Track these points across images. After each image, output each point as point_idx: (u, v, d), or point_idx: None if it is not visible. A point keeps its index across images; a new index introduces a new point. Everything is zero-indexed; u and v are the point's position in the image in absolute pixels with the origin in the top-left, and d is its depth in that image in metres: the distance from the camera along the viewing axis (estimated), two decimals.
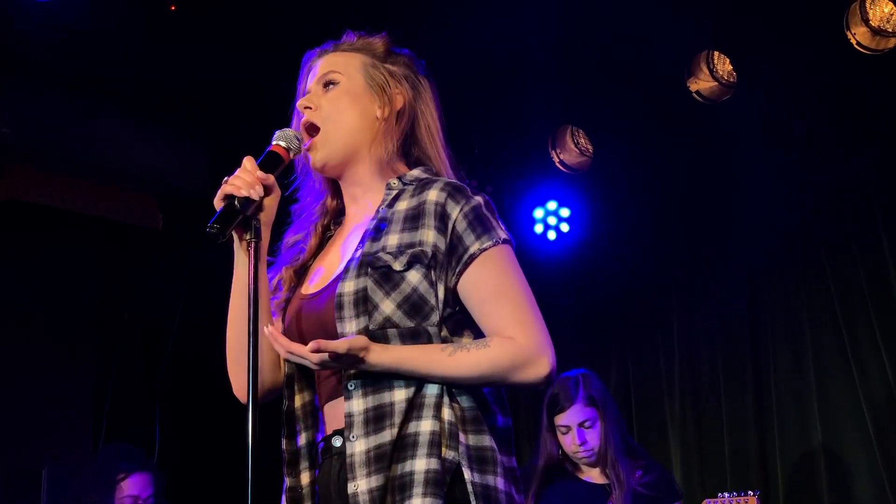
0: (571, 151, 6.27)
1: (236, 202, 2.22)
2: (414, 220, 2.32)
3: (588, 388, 4.54)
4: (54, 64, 5.16)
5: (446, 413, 2.23)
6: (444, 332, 2.28)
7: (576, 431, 4.51)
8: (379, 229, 2.34)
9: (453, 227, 2.29)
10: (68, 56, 5.10)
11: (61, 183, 5.54)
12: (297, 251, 2.50)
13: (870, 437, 5.52)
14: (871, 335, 5.57)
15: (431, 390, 2.23)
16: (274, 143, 2.38)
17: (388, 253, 2.28)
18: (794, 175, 5.84)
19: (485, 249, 2.29)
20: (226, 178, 2.27)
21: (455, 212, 2.30)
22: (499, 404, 2.34)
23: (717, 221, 6.18)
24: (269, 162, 2.34)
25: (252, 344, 2.14)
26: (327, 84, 2.47)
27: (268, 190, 2.31)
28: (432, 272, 2.27)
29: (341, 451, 2.27)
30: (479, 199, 2.34)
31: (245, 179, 2.26)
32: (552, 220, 6.49)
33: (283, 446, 2.39)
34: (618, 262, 6.47)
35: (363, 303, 2.25)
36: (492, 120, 5.94)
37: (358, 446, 2.22)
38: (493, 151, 6.14)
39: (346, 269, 2.31)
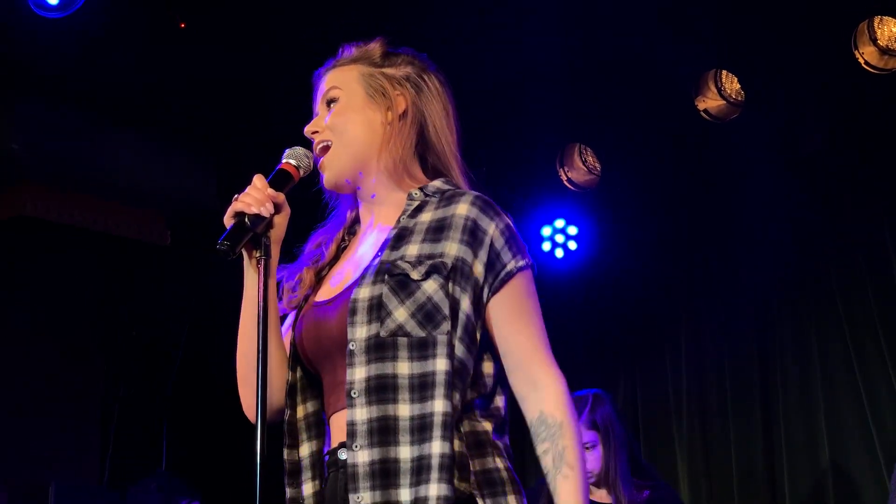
0: (579, 169, 6.27)
1: (247, 219, 2.23)
2: (438, 231, 2.29)
3: (593, 412, 4.53)
4: (63, 80, 5.17)
5: (456, 441, 2.20)
6: (453, 338, 2.23)
7: None
8: (399, 238, 2.32)
9: (491, 242, 2.28)
10: (78, 73, 5.12)
11: (70, 198, 5.55)
12: (318, 253, 2.48)
13: (878, 456, 5.50)
14: (880, 354, 5.56)
15: (440, 408, 2.19)
16: (284, 161, 2.38)
17: (407, 262, 2.25)
18: (802, 194, 5.84)
19: (521, 269, 2.31)
20: (236, 196, 2.28)
21: (491, 228, 2.29)
22: (499, 425, 2.34)
23: (724, 239, 6.17)
24: (279, 180, 2.34)
25: (261, 361, 2.14)
26: (329, 102, 2.45)
27: (278, 208, 2.30)
28: (450, 284, 2.24)
29: (346, 463, 2.24)
30: (508, 217, 2.35)
31: (255, 197, 2.27)
32: (560, 238, 6.48)
33: (284, 456, 2.37)
34: (626, 280, 6.46)
35: (377, 309, 2.23)
36: (500, 137, 5.94)
37: (361, 457, 2.19)
38: (500, 169, 6.13)
39: (363, 276, 2.29)
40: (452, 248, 2.26)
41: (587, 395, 4.58)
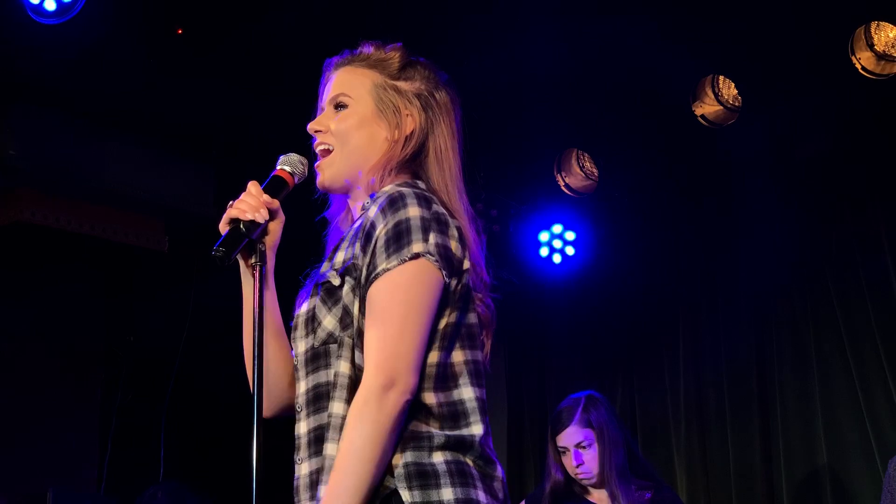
0: (577, 175, 6.27)
1: (242, 226, 2.24)
2: (355, 235, 2.29)
3: (587, 412, 4.54)
4: (61, 87, 5.17)
5: None
6: (358, 343, 2.21)
7: (573, 452, 4.52)
8: (336, 248, 2.35)
9: (375, 244, 2.22)
10: (75, 79, 5.12)
11: (67, 205, 5.55)
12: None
13: (875, 461, 5.51)
14: (878, 360, 5.56)
15: (337, 410, 2.19)
16: (279, 167, 2.39)
17: (334, 269, 2.28)
18: (799, 199, 5.84)
19: (388, 269, 2.18)
20: (231, 202, 2.28)
21: (379, 228, 2.22)
22: (451, 417, 2.24)
23: (722, 244, 6.18)
24: (274, 186, 2.35)
25: (257, 367, 2.16)
26: (337, 106, 2.44)
27: (273, 214, 2.31)
28: (358, 285, 2.24)
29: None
30: (413, 211, 2.23)
31: (250, 203, 2.28)
32: (557, 244, 6.49)
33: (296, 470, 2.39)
34: (624, 285, 6.47)
35: (311, 321, 2.27)
36: (497, 143, 5.95)
37: (303, 469, 2.23)
38: (498, 175, 6.15)
39: (308, 291, 2.34)
40: (357, 249, 2.25)
41: (582, 396, 4.60)
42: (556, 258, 6.48)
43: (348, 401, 2.16)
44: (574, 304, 6.57)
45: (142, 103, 5.36)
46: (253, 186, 2.31)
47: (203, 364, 6.17)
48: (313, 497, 2.20)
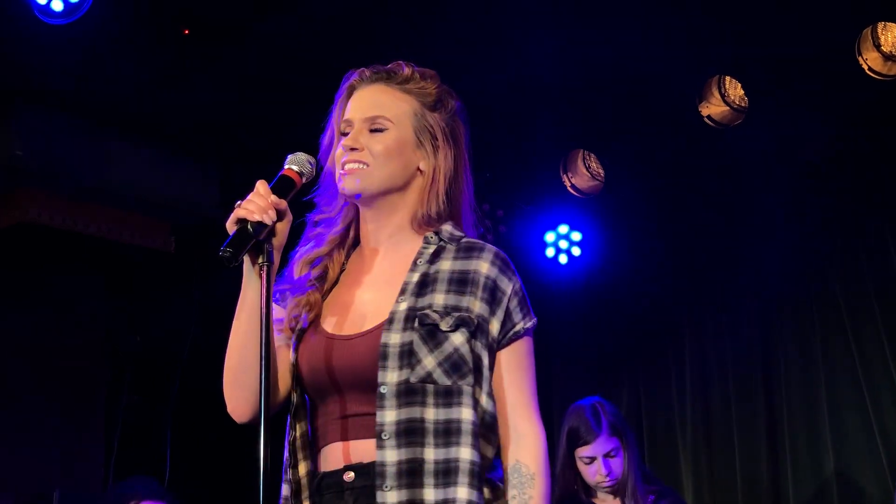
0: (583, 176, 6.27)
1: (249, 226, 2.23)
2: (461, 284, 2.39)
3: (612, 420, 4.52)
4: (67, 88, 5.17)
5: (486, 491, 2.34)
6: (477, 392, 2.35)
7: (601, 462, 4.48)
8: (423, 285, 2.39)
9: (507, 303, 2.41)
10: (82, 80, 5.12)
11: (72, 206, 5.55)
12: (320, 276, 2.49)
13: (882, 462, 5.50)
14: (884, 361, 5.56)
15: (466, 455, 2.29)
16: (286, 167, 2.38)
17: (436, 311, 2.34)
18: (805, 199, 5.83)
19: (528, 330, 2.44)
20: (238, 202, 2.28)
21: (509, 289, 2.42)
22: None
23: (728, 245, 6.17)
24: (282, 186, 2.34)
25: (265, 367, 2.15)
26: (375, 126, 2.45)
27: (280, 214, 2.31)
28: (472, 340, 2.34)
29: (353, 487, 2.32)
30: (519, 277, 2.47)
31: (258, 204, 2.27)
32: (564, 244, 6.49)
33: (289, 476, 2.40)
34: (629, 285, 6.46)
35: (407, 356, 2.31)
36: (503, 144, 5.94)
37: (391, 497, 2.27)
38: (504, 175, 6.14)
39: (391, 321, 2.35)
40: (476, 306, 2.37)
41: (592, 403, 4.56)
42: (562, 259, 6.48)
43: (474, 446, 2.30)
44: (580, 304, 6.57)
45: (148, 104, 5.36)
46: (261, 186, 2.31)
47: (208, 364, 6.15)
48: None
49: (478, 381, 2.35)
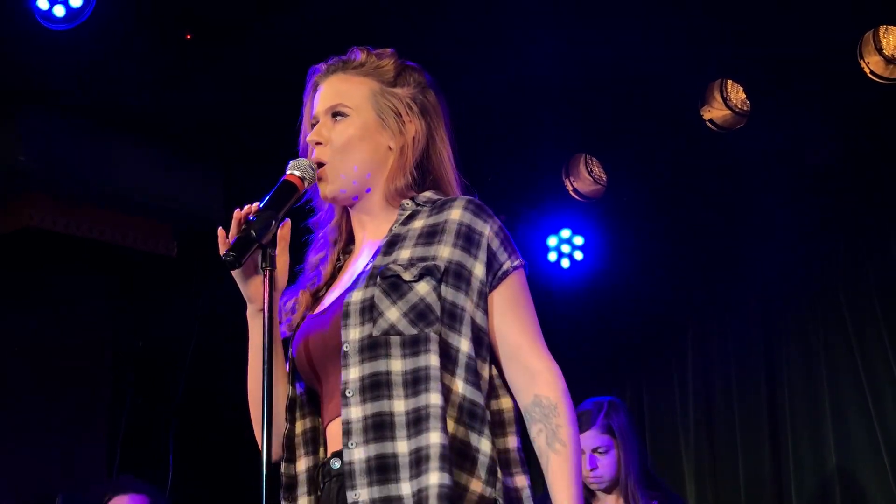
0: (585, 179, 6.26)
1: (252, 231, 2.22)
2: (430, 235, 2.33)
3: (608, 417, 4.52)
4: (70, 92, 5.18)
5: (481, 438, 2.23)
6: (453, 337, 2.26)
7: (588, 456, 4.50)
8: (391, 244, 2.35)
9: (488, 244, 2.32)
10: (84, 85, 5.12)
11: (76, 210, 5.56)
12: (315, 275, 2.49)
13: (885, 466, 5.50)
14: (886, 363, 5.56)
15: (434, 400, 2.19)
16: (288, 172, 2.37)
17: (399, 264, 2.28)
18: (808, 203, 5.83)
19: (516, 268, 2.34)
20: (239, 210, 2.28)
21: (486, 230, 2.33)
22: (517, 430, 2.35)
23: (730, 248, 6.17)
24: (284, 191, 2.33)
25: (266, 372, 2.13)
26: (335, 115, 2.44)
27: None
28: (443, 286, 2.26)
29: (340, 472, 2.25)
30: (498, 219, 2.38)
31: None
32: (566, 248, 6.48)
33: (282, 470, 2.38)
34: (632, 289, 6.46)
35: (369, 310, 2.25)
36: (505, 148, 5.94)
37: (357, 454, 2.20)
38: (506, 179, 6.13)
39: (356, 282, 2.32)
40: (445, 252, 2.29)
41: (603, 401, 4.59)
42: (565, 263, 6.47)
43: (440, 391, 2.19)
44: (582, 308, 6.56)
45: (151, 108, 5.37)
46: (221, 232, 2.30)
47: (212, 368, 6.17)
48: (372, 483, 2.19)
49: (452, 327, 2.25)
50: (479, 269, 2.30)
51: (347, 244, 2.54)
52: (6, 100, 5.18)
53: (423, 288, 2.25)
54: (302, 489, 2.36)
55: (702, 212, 6.12)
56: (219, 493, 6.05)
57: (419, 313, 2.24)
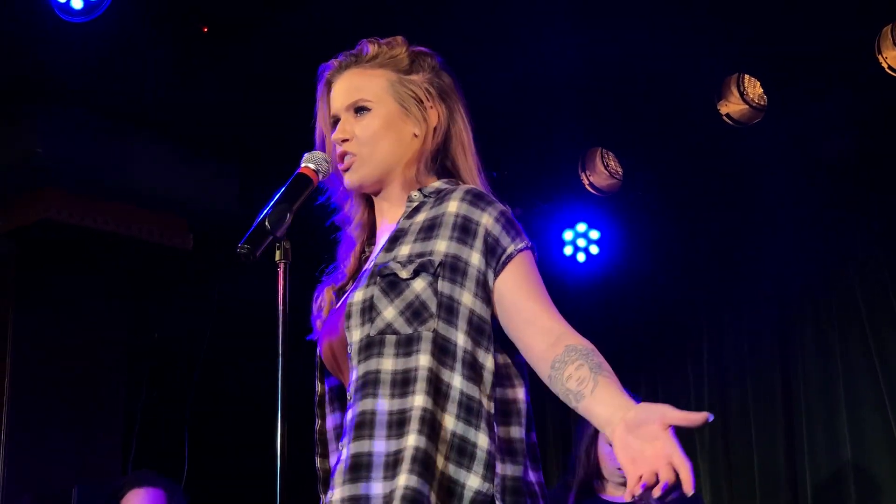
0: (601, 174, 6.26)
1: (267, 223, 2.22)
2: (429, 230, 2.31)
3: None
4: (87, 86, 5.20)
5: (479, 433, 2.19)
6: (449, 331, 2.22)
7: (611, 450, 4.50)
8: (395, 240, 2.34)
9: (486, 231, 2.27)
10: (101, 79, 5.14)
11: (92, 204, 5.58)
12: (341, 271, 2.49)
13: None
14: None
15: (419, 402, 2.17)
16: (303, 165, 2.36)
17: (398, 262, 2.27)
18: (825, 198, 5.82)
19: (521, 250, 2.28)
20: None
21: (483, 218, 2.28)
22: (528, 421, 2.33)
23: (746, 243, 6.16)
24: (298, 184, 2.32)
25: (282, 362, 2.14)
26: (358, 110, 2.43)
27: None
28: (439, 281, 2.24)
29: None
30: (501, 205, 2.33)
31: None
32: (582, 243, 6.48)
33: (317, 465, 2.41)
34: (648, 283, 6.45)
35: (369, 311, 2.25)
36: (521, 142, 5.94)
37: (344, 452, 2.23)
38: (522, 173, 6.13)
39: (359, 280, 2.33)
40: (441, 246, 2.27)
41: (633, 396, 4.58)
42: (581, 257, 6.47)
43: (429, 393, 2.17)
44: (597, 302, 6.56)
45: (167, 102, 5.37)
46: None
47: (227, 362, 6.19)
48: (345, 482, 2.20)
49: (449, 321, 2.22)
50: (475, 259, 2.26)
51: (371, 237, 2.53)
52: (24, 95, 5.20)
53: (420, 284, 2.24)
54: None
55: (717, 206, 6.11)
56: (234, 486, 6.07)
57: (415, 311, 2.23)
